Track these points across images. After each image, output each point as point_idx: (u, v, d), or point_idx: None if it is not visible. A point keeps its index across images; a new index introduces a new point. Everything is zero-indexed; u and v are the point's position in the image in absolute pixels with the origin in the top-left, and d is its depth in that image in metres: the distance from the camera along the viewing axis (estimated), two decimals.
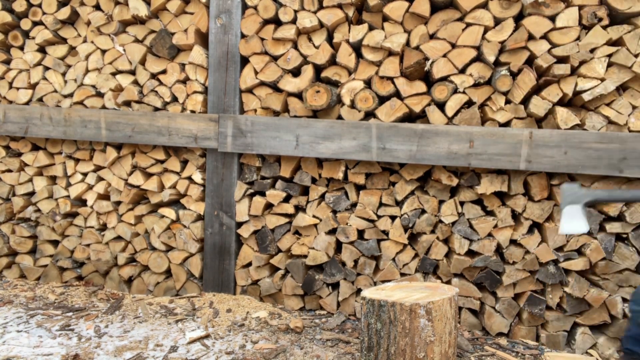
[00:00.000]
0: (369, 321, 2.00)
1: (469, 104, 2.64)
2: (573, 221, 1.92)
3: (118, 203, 3.22)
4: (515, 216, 2.67)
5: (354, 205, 2.85)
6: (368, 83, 2.76)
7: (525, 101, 2.59)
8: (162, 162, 3.12)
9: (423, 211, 2.74)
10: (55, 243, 3.36)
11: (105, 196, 3.25)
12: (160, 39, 3.00)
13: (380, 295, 2.01)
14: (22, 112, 3.19)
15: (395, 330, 1.93)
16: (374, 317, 1.98)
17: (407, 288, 2.21)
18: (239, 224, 3.03)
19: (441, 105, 2.66)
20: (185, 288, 3.12)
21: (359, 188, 2.87)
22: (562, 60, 2.51)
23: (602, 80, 2.45)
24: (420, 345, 1.91)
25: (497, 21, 2.56)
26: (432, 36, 2.67)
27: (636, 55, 2.42)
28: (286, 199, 2.94)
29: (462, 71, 2.62)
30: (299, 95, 2.86)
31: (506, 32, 2.52)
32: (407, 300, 1.93)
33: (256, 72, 2.89)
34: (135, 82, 3.13)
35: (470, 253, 2.71)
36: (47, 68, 3.27)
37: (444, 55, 2.62)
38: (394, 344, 1.93)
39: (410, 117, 2.79)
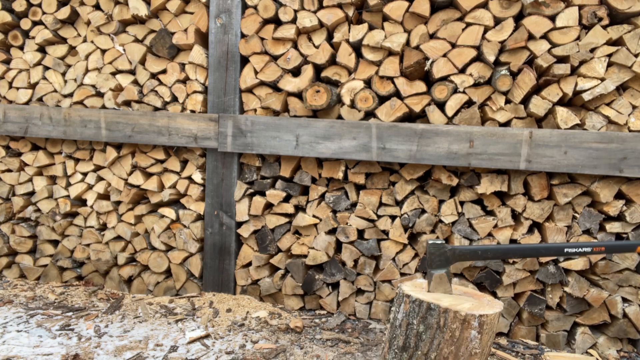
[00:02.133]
0: (410, 321, 1.89)
1: (469, 103, 2.64)
2: (440, 286, 1.97)
3: (118, 203, 3.22)
4: (515, 216, 2.67)
5: (354, 205, 2.85)
6: (368, 83, 2.76)
7: (525, 101, 2.59)
8: (162, 162, 3.12)
9: (423, 211, 2.74)
10: (55, 243, 3.36)
11: (105, 196, 3.26)
12: (160, 38, 3.00)
13: (427, 297, 1.90)
14: (22, 112, 3.19)
15: (441, 337, 1.84)
16: (418, 318, 1.87)
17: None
18: (239, 224, 3.03)
19: (441, 105, 2.66)
20: (185, 288, 3.12)
21: (359, 188, 2.87)
22: (562, 60, 2.51)
23: (602, 80, 2.45)
24: (464, 356, 1.84)
25: (497, 21, 2.55)
26: (432, 36, 2.67)
27: (636, 55, 2.42)
28: (286, 199, 2.94)
29: (462, 71, 2.62)
30: (299, 95, 2.86)
31: (506, 31, 2.52)
32: (461, 308, 1.86)
33: (256, 72, 2.89)
34: (135, 82, 3.13)
35: None
36: (47, 68, 3.27)
37: (444, 55, 2.62)
38: (435, 349, 1.84)
39: (410, 117, 2.79)
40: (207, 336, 2.54)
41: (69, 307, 2.89)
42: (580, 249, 1.76)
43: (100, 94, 3.20)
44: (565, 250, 1.82)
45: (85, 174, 3.26)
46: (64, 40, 3.25)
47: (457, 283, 2.71)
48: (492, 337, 1.91)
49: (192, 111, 3.00)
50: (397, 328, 1.95)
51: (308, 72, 2.80)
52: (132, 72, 3.14)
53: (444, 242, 1.95)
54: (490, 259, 2.08)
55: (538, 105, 2.51)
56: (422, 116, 2.74)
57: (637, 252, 1.81)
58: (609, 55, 2.44)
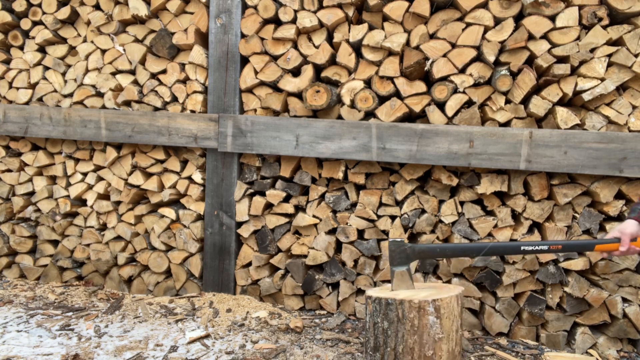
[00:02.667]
0: (375, 320, 1.97)
1: (469, 103, 2.64)
2: (402, 283, 2.04)
3: (118, 203, 3.22)
4: (515, 216, 2.67)
5: (354, 205, 2.85)
6: (368, 83, 2.76)
7: (525, 101, 2.59)
8: (162, 162, 3.12)
9: (423, 211, 2.74)
10: (55, 243, 3.36)
11: (105, 196, 3.25)
12: (160, 38, 3.00)
13: (386, 294, 1.99)
14: (22, 112, 3.19)
15: (403, 328, 1.90)
16: (381, 315, 1.95)
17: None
18: (239, 224, 3.03)
19: (441, 105, 2.66)
20: (185, 288, 3.12)
21: (359, 188, 2.87)
22: (562, 60, 2.51)
23: (602, 80, 2.45)
24: (428, 343, 1.90)
25: (497, 21, 2.56)
26: (432, 36, 2.67)
27: (636, 55, 2.42)
28: (286, 199, 2.94)
29: (462, 71, 2.62)
30: (299, 95, 2.86)
31: (506, 32, 2.52)
32: (415, 297, 1.91)
33: (256, 72, 2.89)
34: (135, 82, 3.13)
35: None
36: (47, 68, 3.27)
37: (444, 55, 2.62)
38: (401, 342, 1.91)
39: (410, 117, 2.79)
40: (207, 336, 2.54)
41: (69, 307, 2.89)
42: (537, 247, 1.80)
43: (100, 94, 3.20)
44: (522, 248, 1.86)
45: (85, 174, 3.26)
46: (64, 40, 3.25)
47: (457, 283, 2.71)
48: (456, 321, 1.95)
49: (192, 111, 3.00)
50: (368, 330, 1.99)
51: (308, 72, 2.80)
52: (132, 72, 3.14)
53: (403, 240, 2.01)
54: (449, 257, 2.16)
55: (538, 105, 2.51)
56: (422, 116, 2.74)
57: (595, 251, 1.82)
58: (609, 55, 2.44)
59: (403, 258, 2.01)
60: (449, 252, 2.03)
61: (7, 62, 3.34)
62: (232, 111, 2.93)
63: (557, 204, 2.57)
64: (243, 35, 2.92)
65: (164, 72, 3.07)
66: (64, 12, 3.14)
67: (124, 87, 3.11)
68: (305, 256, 2.92)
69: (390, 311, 1.92)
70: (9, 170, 3.38)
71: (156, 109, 3.09)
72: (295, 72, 2.88)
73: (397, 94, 2.73)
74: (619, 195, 2.53)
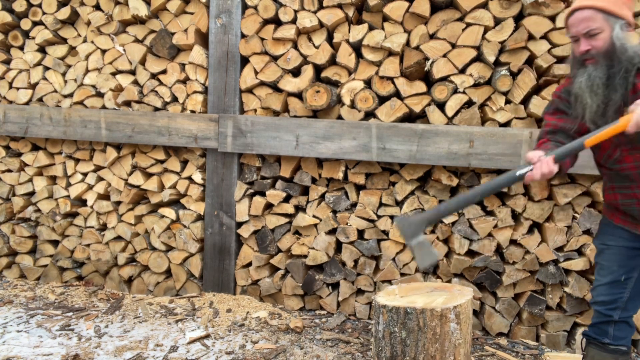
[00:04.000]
0: (392, 330, 1.91)
1: (469, 104, 2.64)
2: (425, 254, 1.86)
3: (118, 203, 3.22)
4: (515, 216, 2.67)
5: (354, 205, 2.85)
6: (368, 83, 2.76)
7: (525, 101, 2.59)
8: (162, 162, 3.12)
9: (423, 211, 2.74)
10: (55, 243, 3.36)
11: (105, 196, 3.25)
12: (160, 38, 3.00)
13: (402, 302, 1.93)
14: (22, 112, 3.19)
15: (424, 337, 1.86)
16: (399, 325, 1.89)
17: (417, 291, 2.14)
18: (239, 224, 3.03)
19: (441, 105, 2.66)
20: (185, 288, 3.12)
21: (359, 188, 2.87)
22: (562, 60, 2.51)
23: None
24: (449, 350, 1.87)
25: (497, 21, 2.56)
26: (432, 36, 2.67)
27: None
28: (286, 199, 2.94)
29: (462, 71, 2.62)
30: (299, 95, 2.86)
31: (506, 32, 2.52)
32: (437, 305, 1.88)
33: (256, 72, 2.89)
34: (135, 82, 3.13)
35: (470, 253, 2.72)
36: (47, 68, 3.27)
37: (444, 55, 2.62)
38: (422, 351, 1.86)
39: (410, 117, 2.79)
40: (207, 336, 2.55)
41: (69, 307, 2.89)
42: (529, 167, 1.72)
43: (100, 94, 3.20)
44: (518, 173, 1.77)
45: (85, 174, 3.26)
46: (64, 41, 3.25)
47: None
48: (470, 324, 1.94)
49: (192, 111, 3.00)
50: (381, 340, 1.95)
51: (308, 72, 2.80)
52: (132, 72, 3.14)
53: (406, 215, 1.92)
54: (454, 211, 2.00)
55: (538, 106, 2.50)
56: (422, 116, 2.74)
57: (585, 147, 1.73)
58: None
59: (414, 228, 1.89)
60: (452, 207, 1.92)
61: (7, 62, 3.34)
62: (232, 111, 2.93)
63: (557, 204, 2.56)
64: (243, 36, 2.92)
65: (164, 72, 3.06)
66: (64, 12, 3.14)
67: (124, 87, 3.11)
68: (305, 256, 2.91)
69: (410, 320, 1.86)
70: (9, 171, 3.38)
71: (156, 109, 3.09)
72: (295, 72, 2.88)
73: (397, 94, 2.73)
74: None
